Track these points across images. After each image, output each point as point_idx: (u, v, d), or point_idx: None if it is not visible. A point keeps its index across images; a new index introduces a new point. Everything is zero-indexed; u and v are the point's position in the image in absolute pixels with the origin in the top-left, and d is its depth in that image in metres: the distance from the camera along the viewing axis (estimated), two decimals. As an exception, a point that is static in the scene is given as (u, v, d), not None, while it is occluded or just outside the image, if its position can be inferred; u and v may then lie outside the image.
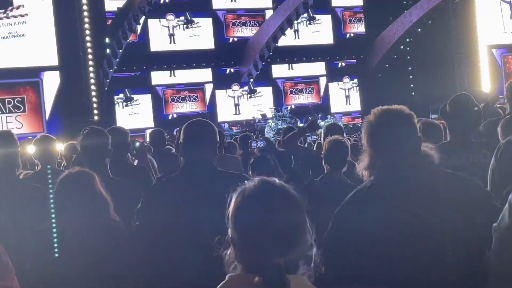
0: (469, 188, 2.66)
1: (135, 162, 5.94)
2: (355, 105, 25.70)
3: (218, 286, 1.95)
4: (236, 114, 23.89)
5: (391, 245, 2.51)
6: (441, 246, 2.51)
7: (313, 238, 1.98)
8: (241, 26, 24.16)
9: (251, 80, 23.50)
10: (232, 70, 24.05)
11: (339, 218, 2.70)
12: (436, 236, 2.51)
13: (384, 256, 2.51)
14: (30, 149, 6.26)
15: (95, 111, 18.44)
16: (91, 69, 18.41)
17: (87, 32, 18.23)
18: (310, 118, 21.91)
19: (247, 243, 1.91)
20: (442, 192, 2.59)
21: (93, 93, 18.44)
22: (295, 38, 24.50)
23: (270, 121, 21.35)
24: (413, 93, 24.02)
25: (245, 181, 2.02)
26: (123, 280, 3.13)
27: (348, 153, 4.79)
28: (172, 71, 23.28)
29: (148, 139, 5.40)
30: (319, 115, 22.19)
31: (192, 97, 23.59)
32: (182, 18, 23.31)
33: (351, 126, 22.37)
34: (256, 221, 1.90)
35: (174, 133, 12.94)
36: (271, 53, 21.75)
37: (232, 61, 23.65)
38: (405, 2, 22.99)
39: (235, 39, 24.02)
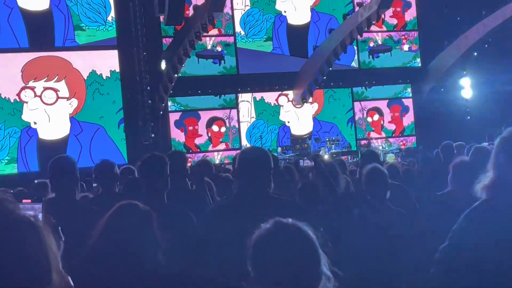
0: None
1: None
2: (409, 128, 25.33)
3: None
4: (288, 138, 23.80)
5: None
6: None
7: (330, 271, 2.01)
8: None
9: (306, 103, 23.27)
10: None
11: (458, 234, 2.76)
12: None
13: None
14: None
15: (152, 135, 18.91)
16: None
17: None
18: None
19: (263, 283, 1.96)
20: None
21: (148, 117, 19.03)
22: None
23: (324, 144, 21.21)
24: (468, 117, 23.57)
25: (298, 208, 2.09)
26: None
27: (387, 179, 4.79)
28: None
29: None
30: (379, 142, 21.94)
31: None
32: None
33: (404, 151, 22.01)
34: (268, 261, 1.96)
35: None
36: (325, 77, 21.67)
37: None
38: (461, 26, 22.65)
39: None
